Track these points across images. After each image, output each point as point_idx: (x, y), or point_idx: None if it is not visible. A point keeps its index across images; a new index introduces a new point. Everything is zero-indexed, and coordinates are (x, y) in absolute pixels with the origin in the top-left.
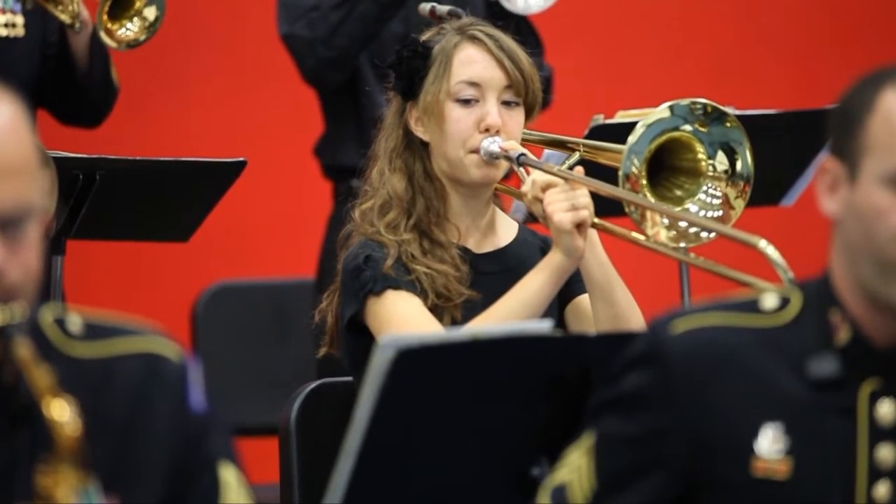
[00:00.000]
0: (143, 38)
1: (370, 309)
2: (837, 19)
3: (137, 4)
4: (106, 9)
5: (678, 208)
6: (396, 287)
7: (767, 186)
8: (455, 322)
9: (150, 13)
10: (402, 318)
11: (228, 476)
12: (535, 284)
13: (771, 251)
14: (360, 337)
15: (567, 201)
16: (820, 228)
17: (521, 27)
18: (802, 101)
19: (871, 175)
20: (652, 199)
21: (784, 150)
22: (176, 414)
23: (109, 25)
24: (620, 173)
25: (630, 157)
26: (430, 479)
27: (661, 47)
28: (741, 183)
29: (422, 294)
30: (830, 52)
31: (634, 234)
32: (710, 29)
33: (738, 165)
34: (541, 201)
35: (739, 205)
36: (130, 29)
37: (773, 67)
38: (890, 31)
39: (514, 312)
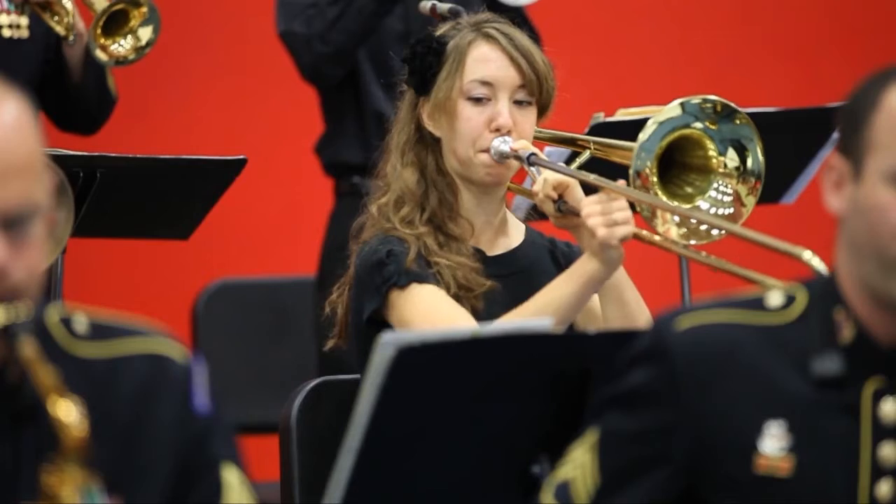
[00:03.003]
0: (132, 57)
1: (394, 302)
2: (838, 17)
3: (132, 23)
4: (100, 25)
5: (689, 206)
6: (420, 280)
7: (769, 184)
8: (476, 312)
9: (145, 34)
10: (430, 309)
11: (231, 477)
12: (568, 290)
13: (816, 262)
14: (378, 333)
15: (607, 215)
16: (821, 226)
17: (517, 20)
18: (803, 98)
19: (875, 172)
20: (663, 198)
21: (785, 147)
22: (180, 415)
23: (103, 41)
24: (631, 171)
25: (640, 155)
26: (430, 476)
27: (662, 45)
28: (752, 180)
29: (444, 286)
30: (831, 50)
31: (644, 232)
32: (710, 26)
33: (749, 162)
34: (553, 200)
35: (751, 202)
36: (123, 46)
37: (774, 65)
38: (891, 29)
39: (544, 314)
